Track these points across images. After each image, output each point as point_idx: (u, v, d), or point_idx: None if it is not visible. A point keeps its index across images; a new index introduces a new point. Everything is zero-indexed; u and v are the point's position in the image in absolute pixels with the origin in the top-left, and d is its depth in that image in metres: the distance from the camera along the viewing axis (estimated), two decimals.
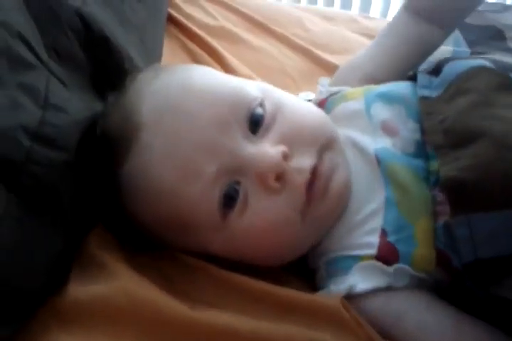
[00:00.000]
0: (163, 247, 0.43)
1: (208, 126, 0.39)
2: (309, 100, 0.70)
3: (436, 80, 0.47)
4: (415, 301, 0.39)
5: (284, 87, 0.75)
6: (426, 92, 0.47)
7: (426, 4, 0.56)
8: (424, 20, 0.56)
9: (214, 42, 0.80)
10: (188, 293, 0.38)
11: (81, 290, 0.35)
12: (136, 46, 0.63)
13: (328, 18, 1.02)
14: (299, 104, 0.46)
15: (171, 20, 0.87)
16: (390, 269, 0.39)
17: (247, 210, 0.40)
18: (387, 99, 0.48)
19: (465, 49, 0.78)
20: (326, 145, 0.43)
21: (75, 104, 0.43)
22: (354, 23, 1.01)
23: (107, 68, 0.53)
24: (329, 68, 0.79)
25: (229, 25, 0.89)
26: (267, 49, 0.84)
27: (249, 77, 0.73)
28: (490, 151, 0.38)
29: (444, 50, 0.77)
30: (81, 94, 0.46)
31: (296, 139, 0.41)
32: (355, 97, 0.50)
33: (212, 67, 0.73)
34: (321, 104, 0.53)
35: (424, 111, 0.45)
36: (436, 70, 0.49)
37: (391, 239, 0.40)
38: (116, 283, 0.35)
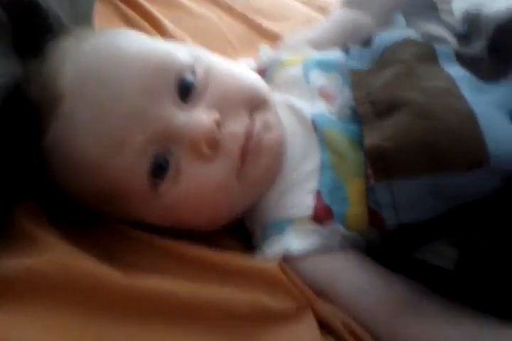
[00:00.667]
0: (95, 217, 0.42)
1: (135, 94, 0.38)
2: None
3: (366, 52, 0.49)
4: (349, 261, 0.41)
5: (223, 53, 0.74)
6: (356, 65, 0.48)
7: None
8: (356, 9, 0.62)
9: (151, 8, 0.76)
10: (125, 260, 0.38)
11: (11, 263, 0.33)
12: (66, 9, 0.59)
13: None
14: (230, 68, 0.45)
15: None
16: (324, 230, 0.40)
17: (180, 179, 0.39)
18: (324, 66, 0.49)
19: (400, 18, 0.80)
20: (258, 106, 0.43)
21: None
22: None
23: (32, 31, 0.49)
24: (269, 35, 0.79)
25: None
26: (206, 15, 0.81)
27: (185, 42, 0.71)
28: (409, 120, 0.39)
29: None
30: (1, 58, 0.43)
31: (227, 103, 0.41)
32: (294, 63, 0.51)
33: (150, 33, 0.71)
34: (262, 72, 0.53)
35: (354, 84, 0.46)
36: (367, 42, 0.50)
37: (325, 199, 0.41)
38: (50, 255, 0.34)
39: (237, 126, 0.40)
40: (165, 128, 0.39)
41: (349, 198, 0.41)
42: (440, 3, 0.84)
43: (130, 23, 0.73)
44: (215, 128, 0.39)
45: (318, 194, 0.42)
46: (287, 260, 0.40)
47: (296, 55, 0.53)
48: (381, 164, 0.39)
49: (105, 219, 0.42)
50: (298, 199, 0.42)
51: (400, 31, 0.49)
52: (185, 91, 0.40)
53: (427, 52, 0.45)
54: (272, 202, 0.43)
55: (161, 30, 0.72)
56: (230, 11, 0.84)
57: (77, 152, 0.38)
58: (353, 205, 0.41)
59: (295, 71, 0.50)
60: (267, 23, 0.81)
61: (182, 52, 0.43)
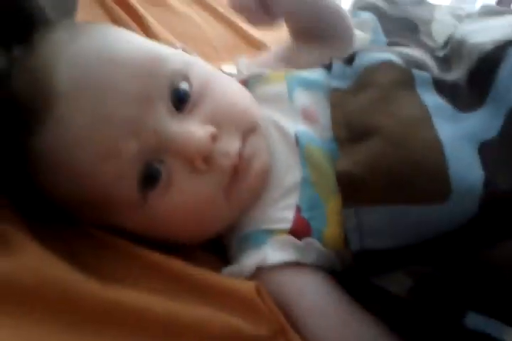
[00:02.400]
0: (74, 221, 0.40)
1: (130, 102, 0.37)
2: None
3: (348, 70, 0.49)
4: (317, 282, 0.41)
5: (206, 57, 0.73)
6: (337, 83, 0.48)
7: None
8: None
9: (136, 4, 0.74)
10: (101, 270, 0.36)
11: None
12: None
13: None
14: (228, 83, 0.45)
15: None
16: (301, 243, 0.40)
17: (170, 190, 0.39)
18: (308, 85, 0.49)
19: (382, 37, 0.81)
20: (251, 128, 0.43)
21: None
22: None
23: (12, 17, 0.46)
24: (253, 43, 0.79)
25: None
26: (191, 16, 0.80)
27: (171, 43, 0.69)
28: (378, 148, 0.39)
29: (363, 37, 0.80)
30: None
31: (224, 120, 0.41)
32: (277, 80, 0.50)
33: (132, 28, 0.69)
34: (242, 84, 0.52)
35: (332, 103, 0.46)
36: (350, 59, 0.50)
37: (305, 214, 0.41)
38: (22, 260, 0.32)
39: (231, 144, 0.40)
40: (159, 138, 0.38)
41: (328, 216, 0.41)
42: (421, 25, 0.87)
43: (113, 16, 0.71)
44: (210, 142, 0.38)
45: (298, 208, 0.42)
46: (261, 271, 0.40)
47: (280, 71, 0.53)
48: (349, 190, 0.39)
49: (83, 222, 0.40)
50: (278, 213, 0.42)
51: (381, 52, 0.49)
52: (180, 100, 0.40)
53: (405, 78, 0.45)
54: (252, 216, 0.43)
55: (144, 27, 0.70)
56: (216, 15, 0.83)
57: (69, 158, 0.37)
58: (331, 224, 0.41)
59: (279, 88, 0.50)
60: (252, 31, 0.81)
61: (176, 57, 0.42)
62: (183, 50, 0.52)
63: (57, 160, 0.37)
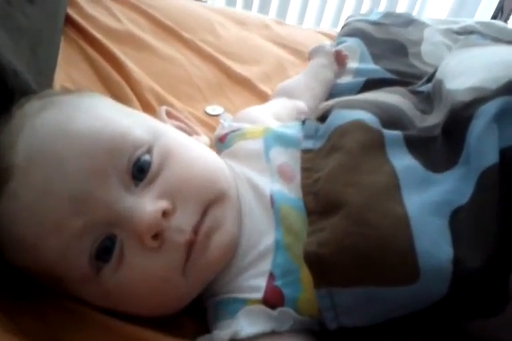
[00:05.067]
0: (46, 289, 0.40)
1: (81, 177, 0.36)
2: (216, 115, 0.70)
3: (321, 129, 0.47)
4: None
5: (191, 98, 0.73)
6: (308, 144, 0.47)
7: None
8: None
9: (116, 50, 0.75)
10: None
11: None
12: (26, 57, 0.57)
13: (241, 23, 1.00)
14: (191, 153, 0.43)
15: (70, 21, 0.80)
16: (275, 313, 0.38)
17: (122, 266, 0.38)
18: (284, 142, 0.48)
19: (371, 65, 0.80)
20: (214, 200, 0.41)
21: None
22: (266, 29, 1.00)
23: None
24: (237, 80, 0.79)
25: (135, 30, 0.84)
26: (174, 57, 0.80)
27: (152, 89, 0.69)
28: (344, 225, 0.38)
29: (348, 67, 0.78)
30: None
31: (181, 193, 0.39)
32: (255, 137, 0.50)
33: (113, 77, 0.69)
34: (222, 139, 0.52)
35: (302, 167, 0.45)
36: (324, 116, 0.49)
37: (278, 282, 0.39)
38: None
39: (186, 220, 0.39)
40: (109, 213, 0.37)
41: (302, 282, 0.39)
42: (410, 47, 0.86)
43: (95, 67, 0.72)
44: (159, 219, 0.37)
45: (271, 276, 0.40)
46: None
47: (258, 126, 0.52)
48: (318, 271, 0.37)
49: (53, 292, 0.40)
50: (250, 280, 0.41)
51: (354, 110, 0.47)
52: (139, 172, 0.39)
53: (374, 140, 0.43)
54: (225, 282, 0.42)
55: (125, 75, 0.70)
56: (199, 52, 0.83)
57: (17, 232, 0.37)
58: (306, 290, 0.39)
59: (255, 145, 0.48)
60: (236, 67, 0.81)
61: (141, 129, 0.41)
62: (166, 112, 0.52)
63: (7, 232, 0.38)
